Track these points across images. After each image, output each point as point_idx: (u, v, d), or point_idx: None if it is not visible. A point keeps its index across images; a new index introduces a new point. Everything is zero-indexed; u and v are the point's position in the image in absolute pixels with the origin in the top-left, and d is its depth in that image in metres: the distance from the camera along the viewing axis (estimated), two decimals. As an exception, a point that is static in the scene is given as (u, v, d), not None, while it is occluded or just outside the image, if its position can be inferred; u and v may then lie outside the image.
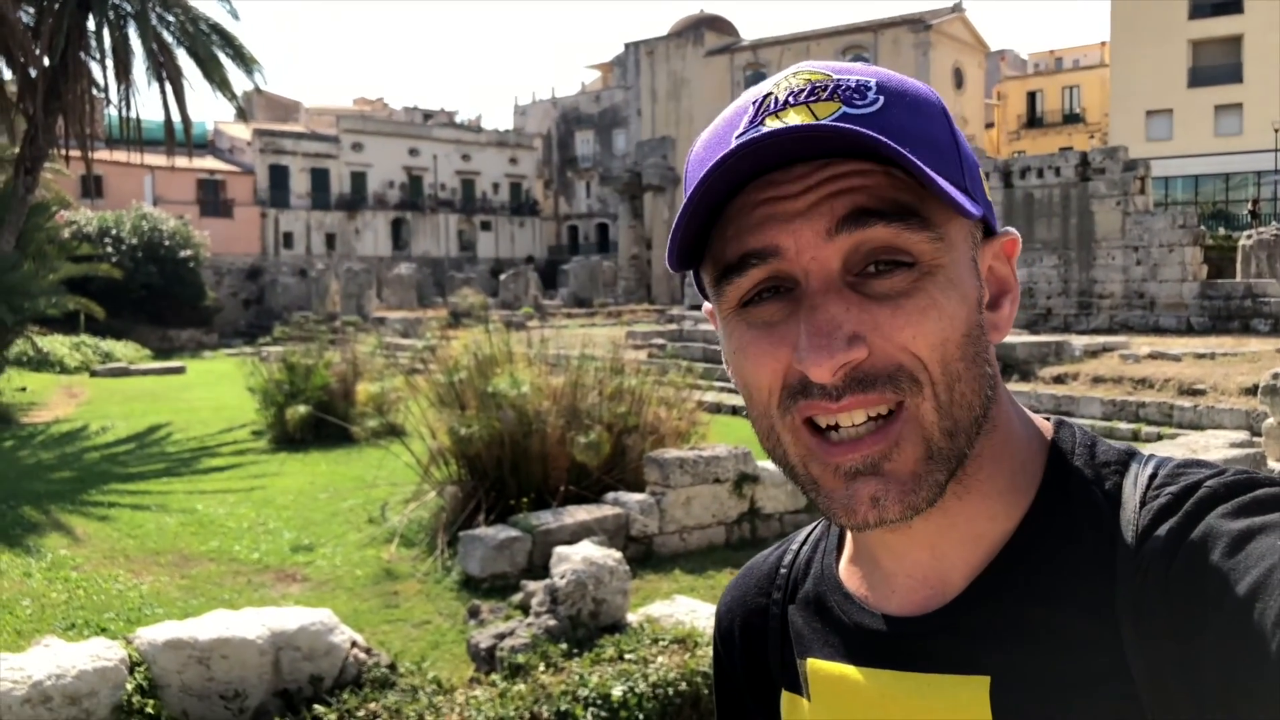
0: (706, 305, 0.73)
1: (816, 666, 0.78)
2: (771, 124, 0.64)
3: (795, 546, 0.88)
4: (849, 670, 0.75)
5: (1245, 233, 23.86)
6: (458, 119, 66.33)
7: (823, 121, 0.63)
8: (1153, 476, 0.68)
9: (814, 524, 0.88)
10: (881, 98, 0.65)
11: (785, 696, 0.82)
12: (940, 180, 0.62)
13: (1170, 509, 0.64)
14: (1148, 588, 0.62)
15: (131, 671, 4.10)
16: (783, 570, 0.87)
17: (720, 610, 0.92)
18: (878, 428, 0.65)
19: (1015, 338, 16.21)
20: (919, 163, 0.61)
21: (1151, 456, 0.71)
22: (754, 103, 0.67)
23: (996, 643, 0.68)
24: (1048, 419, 0.77)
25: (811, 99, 0.65)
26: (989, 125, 55.77)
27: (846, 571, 0.79)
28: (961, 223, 0.68)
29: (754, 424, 0.71)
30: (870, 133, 0.61)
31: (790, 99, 0.65)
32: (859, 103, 0.64)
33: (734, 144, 0.64)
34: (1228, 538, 0.59)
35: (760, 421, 0.69)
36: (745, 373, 0.68)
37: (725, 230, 0.67)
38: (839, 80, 0.66)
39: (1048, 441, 0.74)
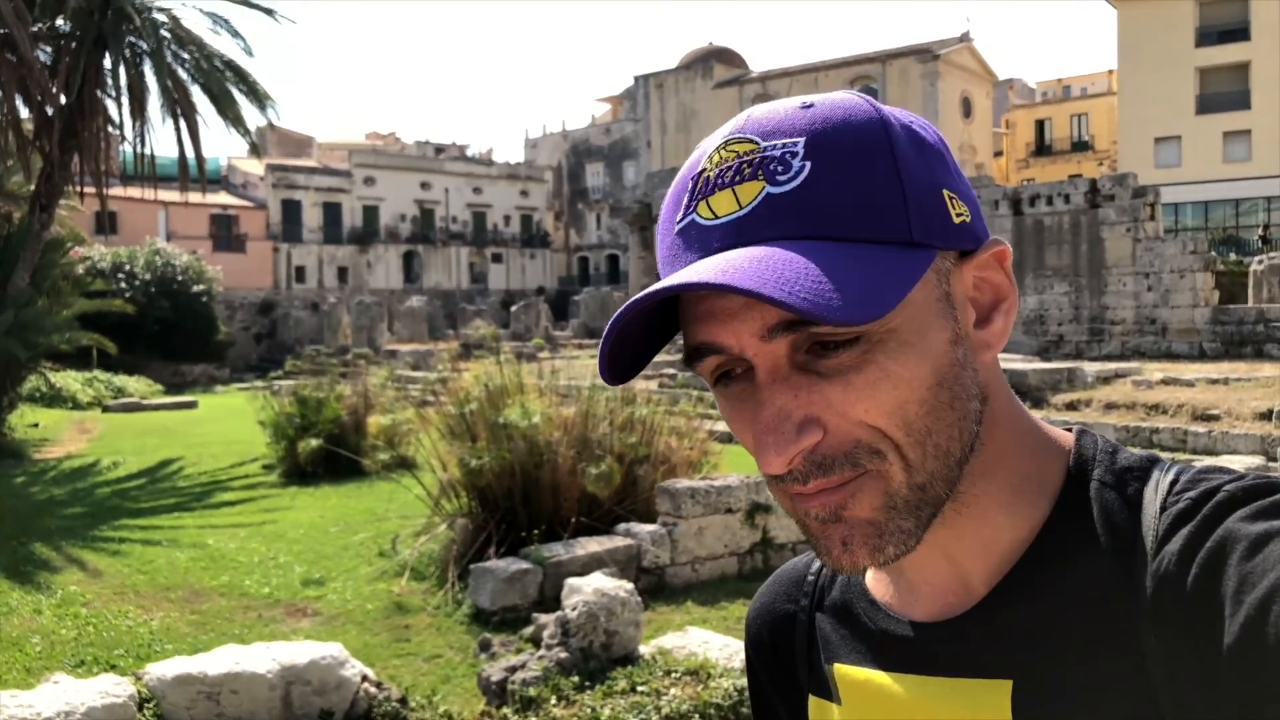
0: None
1: (844, 672, 0.80)
2: (702, 214, 0.65)
3: None
4: (875, 675, 0.77)
5: (1256, 258, 23.81)
6: (469, 152, 66.84)
7: (743, 214, 0.63)
8: (1174, 482, 0.68)
9: None
10: (807, 164, 0.63)
11: (813, 701, 0.84)
12: (838, 301, 0.58)
13: (1189, 513, 0.64)
14: (1166, 592, 0.62)
15: (140, 708, 4.08)
16: (810, 578, 0.89)
17: (750, 617, 0.94)
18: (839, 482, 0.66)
19: (1027, 365, 16.15)
20: (807, 307, 0.57)
21: (1174, 463, 0.71)
22: (692, 179, 0.67)
23: (1018, 647, 0.69)
24: (1069, 428, 0.77)
25: (737, 180, 0.64)
26: (998, 154, 55.94)
27: (873, 579, 0.82)
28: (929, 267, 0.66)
29: None
30: (764, 292, 0.58)
31: (719, 181, 0.65)
32: (781, 177, 0.63)
33: (674, 242, 0.67)
34: (1246, 541, 0.59)
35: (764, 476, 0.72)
36: (736, 436, 0.70)
37: (684, 314, 0.68)
38: (765, 151, 0.64)
39: (1067, 450, 0.74)
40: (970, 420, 0.67)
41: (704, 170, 0.66)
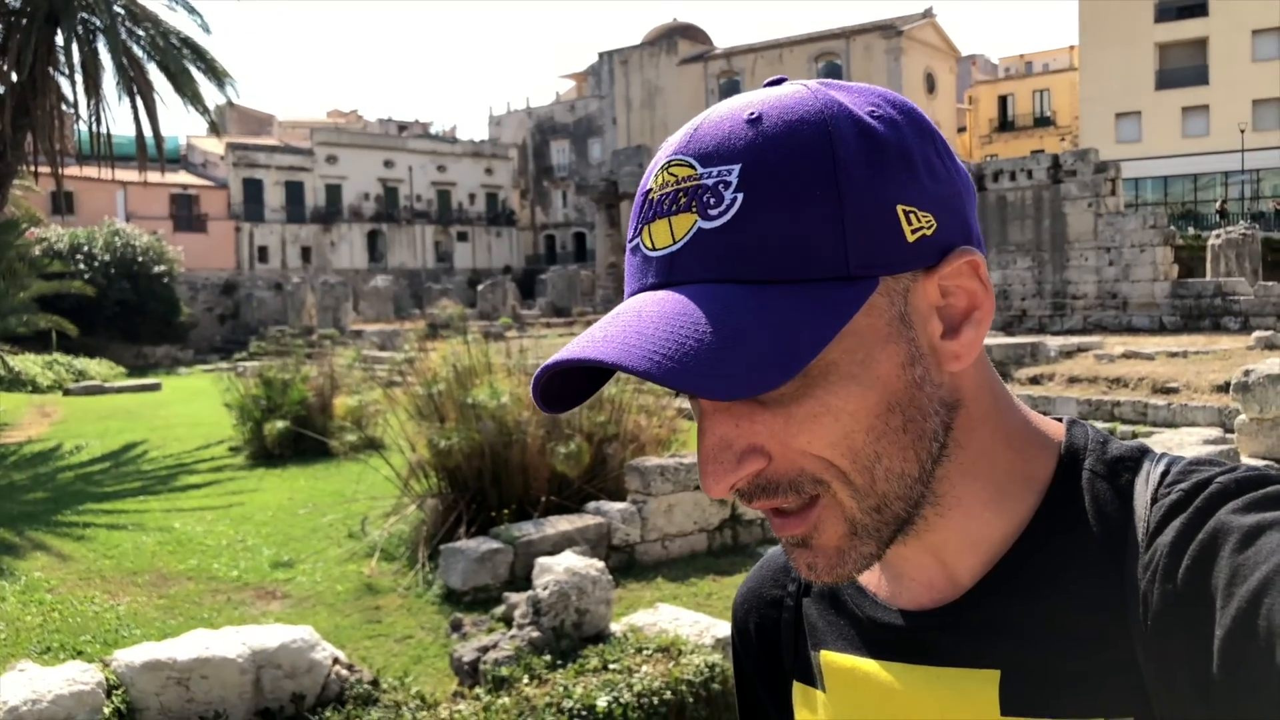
0: None
1: (830, 658, 0.80)
2: (645, 241, 0.65)
3: None
4: (862, 662, 0.77)
5: (1214, 232, 24.16)
6: (432, 130, 66.10)
7: (676, 249, 0.63)
8: (1165, 474, 0.68)
9: None
10: (739, 196, 0.62)
11: (797, 688, 0.84)
12: (731, 369, 0.58)
13: (1181, 505, 0.64)
14: (1157, 582, 0.62)
15: (109, 695, 4.05)
16: None
17: (736, 602, 0.94)
18: (802, 507, 0.66)
19: (991, 340, 16.33)
20: (690, 388, 0.57)
21: (1164, 455, 0.71)
22: (643, 194, 0.67)
23: (1006, 637, 0.69)
24: (1060, 419, 0.77)
25: (673, 210, 0.64)
26: (961, 129, 56.24)
27: None
28: (879, 288, 0.64)
29: None
30: (628, 364, 0.58)
31: (660, 205, 0.65)
32: (713, 211, 0.62)
33: (627, 258, 0.67)
34: (1238, 533, 0.59)
35: None
36: None
37: None
38: (700, 179, 0.63)
39: (1058, 442, 0.74)
40: (928, 439, 0.66)
41: (650, 190, 0.66)
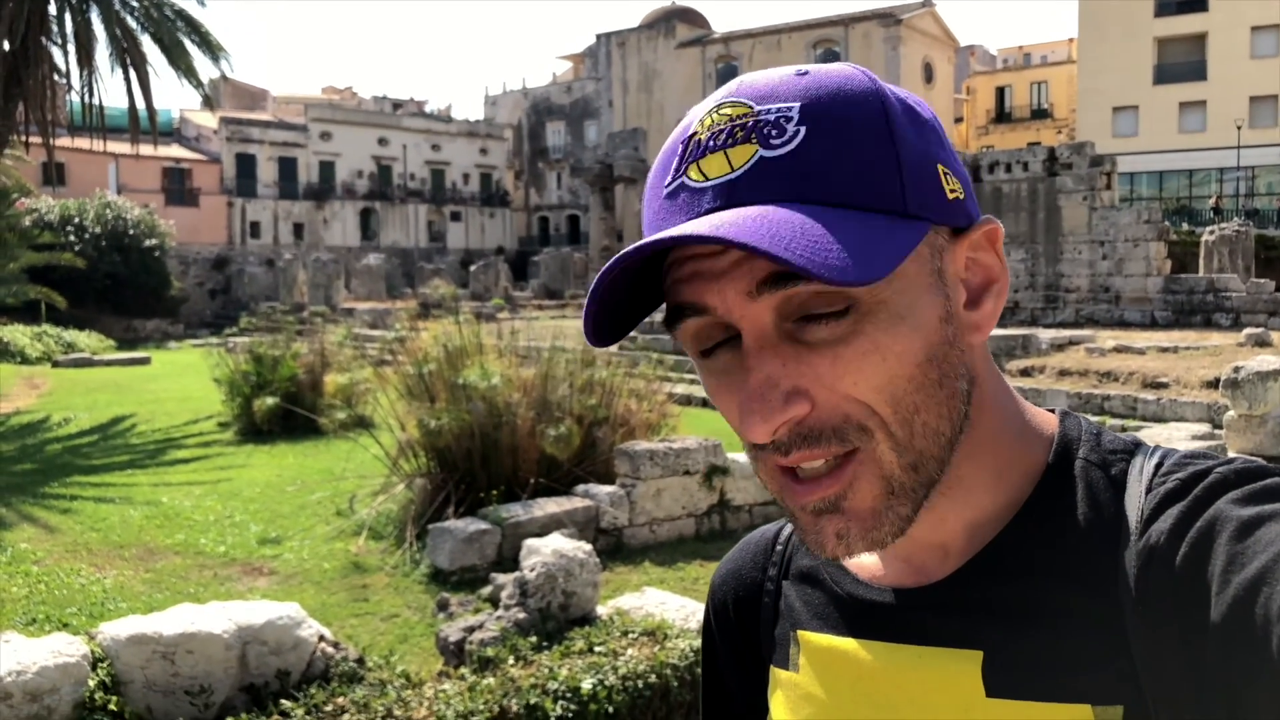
0: None
1: (808, 638, 0.78)
2: (693, 176, 0.64)
3: None
4: (841, 642, 0.75)
5: (1208, 228, 24.22)
6: (427, 109, 65.82)
7: (736, 175, 0.62)
8: (1159, 465, 0.68)
9: None
10: (802, 129, 0.62)
11: (774, 672, 0.83)
12: (827, 258, 0.57)
13: (1178, 494, 0.64)
14: (1153, 570, 0.62)
15: (94, 667, 4.04)
16: (779, 546, 0.87)
17: (715, 583, 0.92)
18: (834, 468, 0.64)
19: (983, 331, 16.37)
20: (803, 263, 0.56)
21: (1158, 448, 0.71)
22: (682, 143, 0.66)
23: (991, 618, 0.68)
24: (1052, 410, 0.77)
25: (729, 143, 0.63)
26: (958, 120, 56.20)
27: None
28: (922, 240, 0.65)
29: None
30: (760, 246, 0.57)
31: (711, 143, 0.64)
32: (776, 142, 0.62)
33: (661, 206, 0.65)
34: (1236, 523, 0.59)
35: (747, 453, 0.69)
36: (722, 413, 0.68)
37: (668, 275, 0.66)
38: (759, 115, 0.63)
39: (1051, 433, 0.74)
40: (959, 400, 0.66)
41: (695, 134, 0.65)
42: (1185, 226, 29.72)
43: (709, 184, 0.63)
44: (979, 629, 0.68)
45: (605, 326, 0.66)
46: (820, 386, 0.62)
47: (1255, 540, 0.57)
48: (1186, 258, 23.80)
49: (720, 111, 0.65)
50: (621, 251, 0.61)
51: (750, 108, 0.64)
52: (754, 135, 0.63)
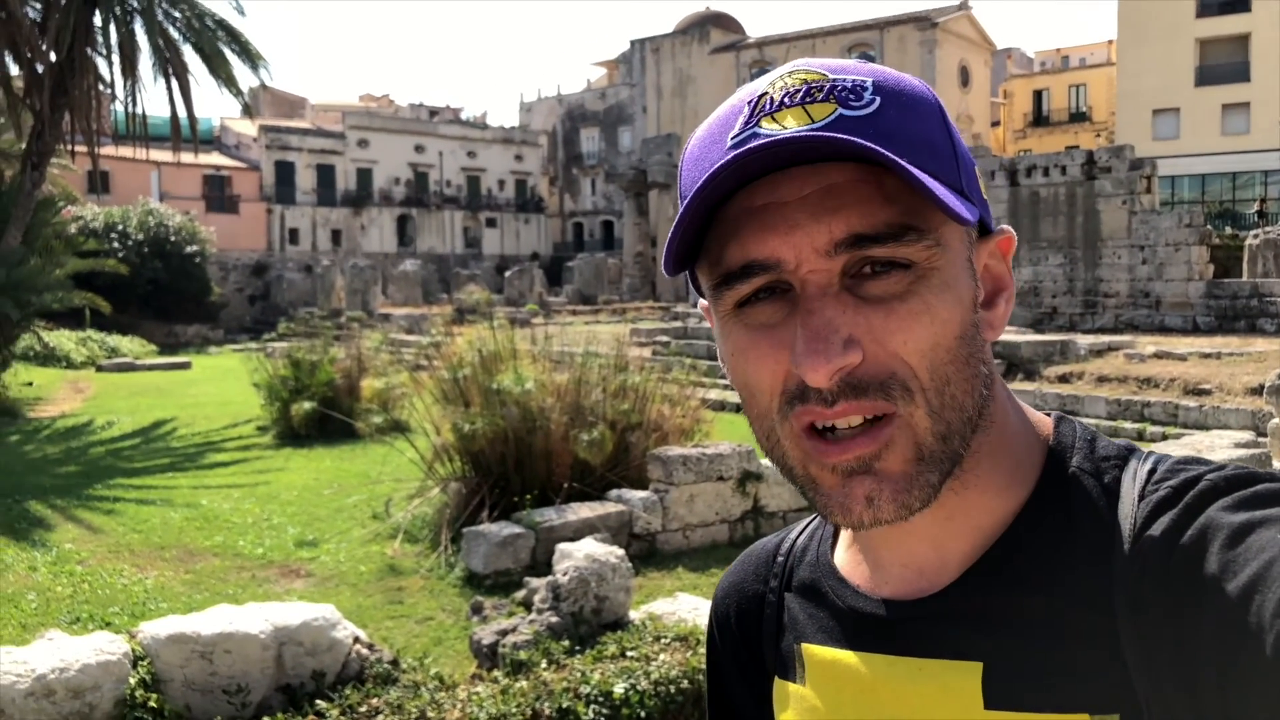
0: (702, 302, 0.72)
1: (811, 651, 0.78)
2: (767, 126, 0.64)
3: (794, 535, 0.89)
4: (843, 654, 0.76)
5: (1252, 232, 23.80)
6: (463, 116, 66.27)
7: (817, 127, 0.63)
8: (1152, 471, 0.68)
9: (814, 515, 0.88)
10: (878, 98, 0.65)
11: (778, 684, 0.83)
12: (937, 189, 0.62)
13: (1170, 502, 0.64)
14: (1146, 579, 0.62)
15: (135, 665, 4.11)
16: (780, 558, 0.87)
17: (717, 596, 0.93)
18: (869, 429, 0.65)
19: (1020, 336, 16.19)
20: (918, 173, 0.61)
21: (1151, 453, 0.71)
22: (749, 103, 0.66)
23: (990, 630, 0.68)
24: (1048, 414, 0.77)
25: (807, 100, 0.64)
26: (995, 124, 55.67)
27: (842, 559, 0.80)
28: (957, 225, 0.67)
29: (753, 425, 0.70)
30: (865, 143, 0.60)
31: (786, 100, 0.65)
32: (854, 104, 0.64)
33: (728, 152, 0.64)
34: (1228, 530, 0.59)
35: (760, 423, 0.69)
36: (746, 375, 0.68)
37: (725, 234, 0.66)
38: (835, 80, 0.65)
39: (1047, 437, 0.74)
40: (981, 384, 0.68)
41: (766, 93, 0.66)
42: (1228, 230, 29.21)
43: (788, 134, 0.63)
44: (977, 641, 0.68)
45: (683, 253, 0.68)
46: (871, 340, 0.64)
47: (1246, 547, 0.57)
48: (1230, 262, 23.38)
49: (794, 75, 0.66)
50: (723, 160, 0.63)
51: (825, 75, 0.66)
52: (832, 96, 0.65)
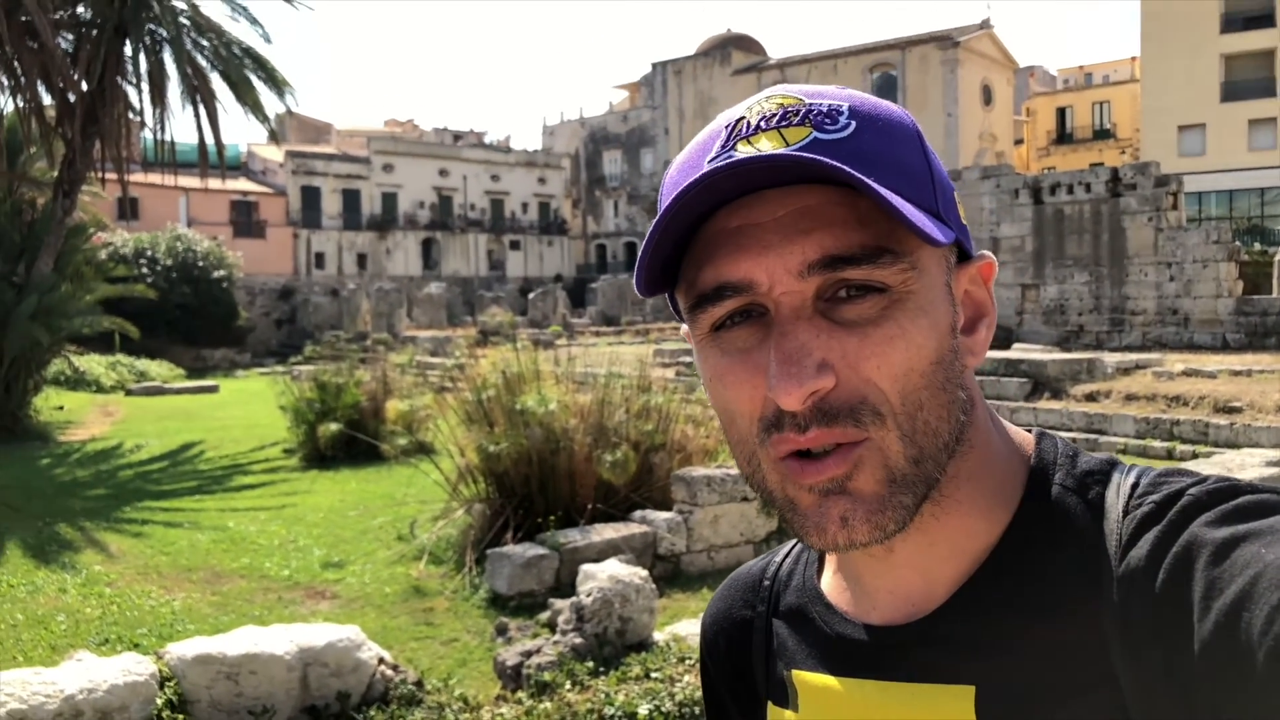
0: (684, 328, 0.72)
1: (802, 678, 0.78)
2: (743, 149, 0.64)
3: (779, 559, 0.88)
4: (833, 681, 0.75)
5: (1281, 248, 23.53)
6: (487, 139, 66.79)
7: (792, 148, 0.63)
8: (1135, 485, 0.68)
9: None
10: (853, 123, 0.65)
11: (771, 710, 0.82)
12: (909, 211, 0.62)
13: (1153, 517, 0.64)
14: (1133, 597, 0.62)
15: (162, 686, 4.14)
16: (765, 582, 0.87)
17: (705, 622, 0.92)
18: (841, 450, 0.64)
19: (1046, 355, 16.05)
20: (887, 194, 0.61)
21: (1133, 466, 0.71)
22: (726, 128, 0.67)
23: (980, 652, 0.67)
24: (1029, 430, 0.77)
25: (783, 124, 0.65)
26: (1018, 142, 55.48)
27: (828, 584, 0.80)
28: (934, 249, 0.67)
29: (733, 450, 0.70)
30: (835, 163, 0.60)
31: (762, 123, 0.65)
32: (829, 128, 0.65)
33: (705, 169, 0.64)
34: (1212, 546, 0.59)
35: (741, 448, 0.69)
36: (725, 400, 0.68)
37: (699, 256, 0.67)
38: (811, 104, 0.66)
39: (1029, 454, 0.74)
40: (957, 408, 0.67)
41: (743, 118, 0.67)
42: (1257, 246, 28.92)
43: (759, 154, 0.63)
44: (968, 664, 0.68)
45: (657, 275, 0.68)
46: (845, 364, 0.64)
47: (1231, 563, 0.57)
48: (1259, 278, 23.12)
49: (771, 100, 0.67)
50: (689, 180, 0.63)
51: (801, 99, 0.67)
52: (808, 120, 0.65)
